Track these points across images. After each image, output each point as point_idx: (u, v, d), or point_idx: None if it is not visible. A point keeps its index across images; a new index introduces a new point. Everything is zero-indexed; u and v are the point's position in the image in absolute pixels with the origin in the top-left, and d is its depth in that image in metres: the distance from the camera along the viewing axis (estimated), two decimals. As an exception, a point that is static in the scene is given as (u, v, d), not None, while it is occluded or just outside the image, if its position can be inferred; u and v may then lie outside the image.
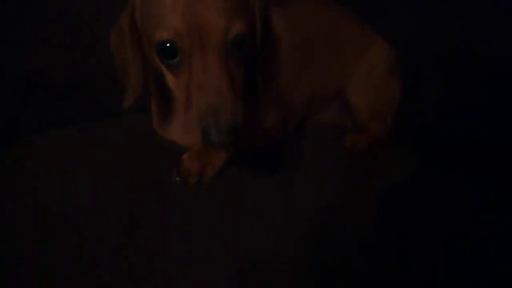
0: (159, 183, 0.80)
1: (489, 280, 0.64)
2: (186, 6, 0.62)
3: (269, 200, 0.79)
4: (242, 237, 0.69)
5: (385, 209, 0.79)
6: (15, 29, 0.94)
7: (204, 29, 0.62)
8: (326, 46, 1.02)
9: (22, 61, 0.97)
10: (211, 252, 0.66)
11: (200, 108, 0.63)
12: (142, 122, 1.00)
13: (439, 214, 0.77)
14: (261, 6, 0.74)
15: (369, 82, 1.06)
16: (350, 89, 1.06)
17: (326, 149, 1.00)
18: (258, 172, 0.88)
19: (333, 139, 1.03)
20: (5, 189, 0.79)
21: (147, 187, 0.80)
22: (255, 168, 0.88)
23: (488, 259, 0.67)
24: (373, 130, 1.06)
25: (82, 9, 1.01)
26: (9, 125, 0.97)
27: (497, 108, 1.11)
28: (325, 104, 1.09)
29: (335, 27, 1.05)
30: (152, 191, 0.79)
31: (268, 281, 0.62)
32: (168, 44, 0.64)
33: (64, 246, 0.66)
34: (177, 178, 0.79)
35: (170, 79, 0.70)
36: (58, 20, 0.99)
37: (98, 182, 0.81)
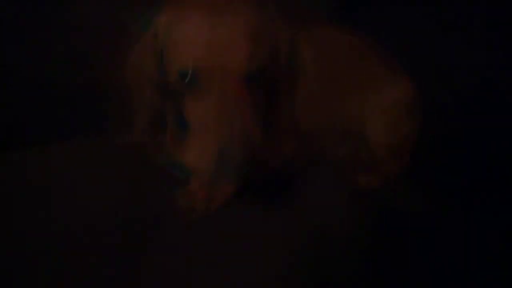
0: (162, 213, 0.79)
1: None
2: (208, 38, 0.61)
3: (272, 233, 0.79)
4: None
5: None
6: (25, 33, 0.96)
7: (224, 68, 0.62)
8: (346, 78, 0.99)
9: (31, 67, 0.97)
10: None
11: (218, 132, 0.61)
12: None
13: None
14: (287, 34, 0.73)
15: (389, 118, 1.03)
16: (368, 124, 1.03)
17: (338, 185, 0.98)
18: (266, 202, 0.87)
19: (346, 176, 1.01)
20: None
21: (150, 215, 0.79)
22: (264, 198, 0.87)
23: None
24: (389, 168, 1.03)
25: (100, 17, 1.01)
26: (12, 131, 0.98)
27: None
28: (341, 138, 1.06)
29: (357, 58, 1.02)
30: (155, 220, 0.78)
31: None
32: (188, 75, 0.63)
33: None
34: (182, 205, 0.77)
35: (188, 103, 0.68)
36: (74, 27, 0.99)
37: (91, 207, 0.80)
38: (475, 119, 1.17)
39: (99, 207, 0.79)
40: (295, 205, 0.87)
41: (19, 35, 0.97)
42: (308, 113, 0.94)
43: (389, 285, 0.71)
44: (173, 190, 0.81)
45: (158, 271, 0.67)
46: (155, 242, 0.72)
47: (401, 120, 1.04)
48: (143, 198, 0.83)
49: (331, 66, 0.96)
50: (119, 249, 0.70)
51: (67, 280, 0.65)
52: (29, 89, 0.98)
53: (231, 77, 0.62)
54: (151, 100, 0.73)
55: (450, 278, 0.74)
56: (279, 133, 0.86)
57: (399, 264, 0.75)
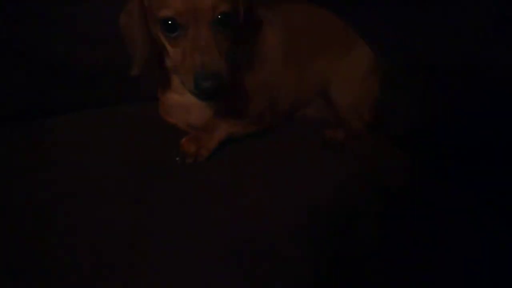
0: (163, 162, 0.95)
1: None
2: None
3: (248, 181, 0.92)
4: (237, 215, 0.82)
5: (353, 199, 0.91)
6: (42, 11, 1.06)
7: (197, 9, 0.82)
8: (311, 45, 1.15)
9: (48, 44, 1.09)
10: (208, 231, 0.78)
11: (193, 64, 0.81)
12: (152, 109, 1.15)
13: (435, 220, 0.85)
14: None
15: (350, 81, 1.19)
16: (333, 86, 1.19)
17: (308, 139, 1.13)
18: (242, 156, 1.02)
19: (314, 131, 1.16)
20: (19, 166, 0.92)
21: (153, 164, 0.94)
22: (240, 152, 1.03)
23: (487, 263, 0.76)
24: (352, 125, 1.19)
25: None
26: (31, 107, 1.10)
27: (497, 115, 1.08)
28: (310, 99, 1.22)
29: (320, 28, 1.18)
30: (157, 168, 0.93)
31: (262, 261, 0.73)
32: (169, 21, 0.83)
33: (71, 219, 0.78)
34: (177, 158, 0.93)
35: (170, 49, 0.88)
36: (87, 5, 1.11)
37: (108, 159, 0.95)
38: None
39: (115, 160, 0.94)
40: (273, 157, 1.03)
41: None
42: (276, 73, 1.10)
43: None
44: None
45: (160, 212, 0.81)
46: (160, 185, 0.87)
47: (361, 81, 1.20)
48: (149, 150, 0.99)
49: (295, 34, 1.12)
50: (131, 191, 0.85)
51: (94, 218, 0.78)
52: (50, 64, 1.10)
53: (202, 20, 0.82)
54: (142, 48, 0.92)
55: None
56: (245, 79, 1.04)
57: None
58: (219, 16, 0.84)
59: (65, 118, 1.10)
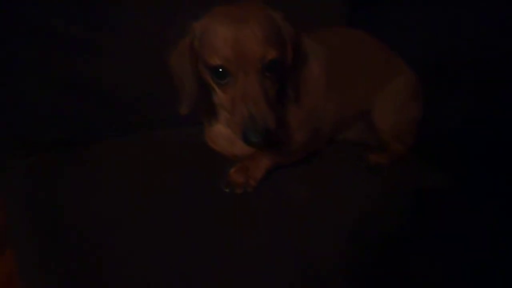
0: (212, 191, 0.96)
1: None
2: (234, 40, 0.82)
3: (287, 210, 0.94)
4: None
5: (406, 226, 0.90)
6: (90, 38, 1.10)
7: (247, 57, 0.83)
8: (354, 72, 1.15)
9: (93, 69, 1.11)
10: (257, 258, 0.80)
11: (243, 115, 0.83)
12: (197, 134, 1.15)
13: (459, 230, 0.88)
14: (292, 34, 0.93)
15: (392, 106, 1.19)
16: (375, 112, 1.19)
17: (351, 164, 1.14)
18: (291, 182, 1.03)
19: (357, 156, 1.17)
20: (62, 192, 0.95)
21: (202, 193, 0.96)
22: (289, 179, 1.04)
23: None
24: (394, 149, 1.19)
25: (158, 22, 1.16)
26: (77, 132, 1.13)
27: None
28: (351, 124, 1.23)
29: (364, 55, 1.18)
30: (206, 197, 0.95)
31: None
32: (220, 69, 0.85)
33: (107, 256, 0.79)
34: (227, 190, 0.95)
35: (219, 95, 0.90)
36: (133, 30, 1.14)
37: (153, 187, 0.96)
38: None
39: (162, 188, 0.96)
40: (315, 184, 1.03)
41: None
42: (320, 101, 1.10)
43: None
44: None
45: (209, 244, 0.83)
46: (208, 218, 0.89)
47: (403, 106, 1.20)
48: (196, 179, 1.00)
49: (338, 62, 1.12)
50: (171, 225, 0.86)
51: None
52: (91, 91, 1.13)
53: (251, 69, 0.83)
54: (191, 89, 0.93)
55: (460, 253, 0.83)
56: (292, 114, 1.05)
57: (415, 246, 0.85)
58: (268, 64, 0.84)
59: (111, 144, 1.13)
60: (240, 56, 0.82)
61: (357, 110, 1.19)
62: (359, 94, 1.17)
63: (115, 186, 0.97)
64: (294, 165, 1.07)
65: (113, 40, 1.12)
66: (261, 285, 0.77)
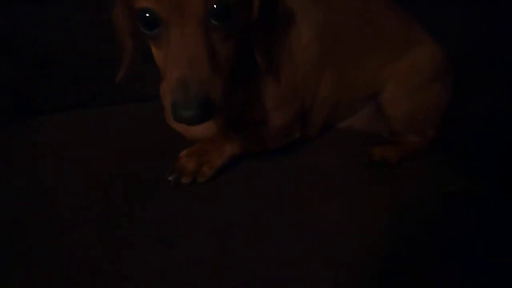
0: (153, 178, 0.77)
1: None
2: None
3: (269, 214, 0.72)
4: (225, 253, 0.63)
5: (413, 230, 0.71)
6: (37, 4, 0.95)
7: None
8: (359, 40, 0.91)
9: (41, 39, 0.98)
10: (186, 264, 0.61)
11: (171, 81, 0.59)
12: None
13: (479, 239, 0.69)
14: None
15: (408, 86, 0.92)
16: (385, 93, 0.93)
17: (351, 158, 0.89)
18: (262, 178, 0.80)
19: (360, 149, 0.92)
20: (6, 165, 0.82)
21: (140, 181, 0.77)
22: (260, 173, 0.81)
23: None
24: (409, 143, 0.94)
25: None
26: (23, 104, 1.00)
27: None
28: (355, 107, 0.98)
29: (372, 19, 0.92)
30: (144, 186, 0.76)
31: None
32: (147, 14, 0.61)
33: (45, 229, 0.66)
34: (170, 177, 0.74)
35: (154, 52, 0.67)
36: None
37: (92, 168, 0.81)
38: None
39: (99, 171, 0.80)
40: (298, 181, 0.81)
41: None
42: (310, 75, 0.86)
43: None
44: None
45: (133, 243, 0.65)
46: (138, 210, 0.70)
47: (423, 87, 0.93)
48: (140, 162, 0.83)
49: (338, 26, 0.88)
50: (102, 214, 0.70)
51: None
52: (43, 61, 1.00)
53: (189, 14, 0.59)
54: (130, 47, 0.73)
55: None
56: (265, 90, 0.81)
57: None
58: (215, 6, 0.60)
59: (56, 118, 0.99)
60: None
61: (361, 90, 0.94)
62: (365, 70, 0.92)
63: (47, 167, 0.82)
64: (271, 155, 0.85)
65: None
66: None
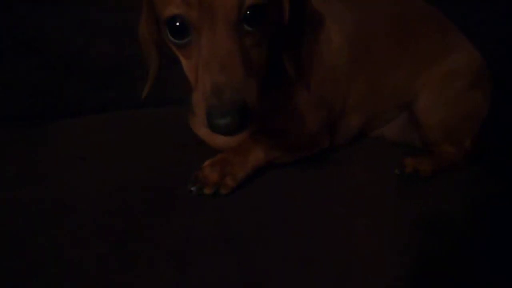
0: (173, 187, 0.74)
1: None
2: None
3: (294, 230, 0.67)
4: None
5: (447, 249, 0.65)
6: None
7: (213, 1, 0.55)
8: (393, 46, 0.86)
9: (65, 42, 0.98)
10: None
11: (205, 88, 0.56)
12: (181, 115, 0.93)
13: None
14: None
15: (444, 94, 0.87)
16: (420, 101, 0.88)
17: (382, 170, 0.84)
18: (288, 190, 0.76)
19: (392, 160, 0.87)
20: (21, 170, 0.80)
21: (159, 190, 0.74)
22: (285, 185, 0.77)
23: None
24: (444, 154, 0.88)
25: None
26: (45, 107, 0.99)
27: None
28: (388, 116, 0.93)
29: (407, 23, 0.87)
30: (162, 197, 0.72)
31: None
32: (177, 22, 0.58)
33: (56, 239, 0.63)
34: (192, 188, 0.70)
35: (183, 62, 0.64)
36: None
37: (110, 175, 0.78)
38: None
39: (115, 179, 0.77)
40: (326, 194, 0.77)
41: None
42: (340, 81, 0.82)
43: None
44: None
45: (147, 257, 0.62)
46: (155, 224, 0.66)
47: (461, 95, 0.87)
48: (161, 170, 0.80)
49: (370, 31, 0.83)
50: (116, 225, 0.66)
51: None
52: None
53: (220, 19, 0.56)
54: (156, 61, 0.71)
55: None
56: (294, 95, 0.77)
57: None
58: (248, 12, 0.57)
59: (76, 122, 0.98)
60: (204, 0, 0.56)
61: (394, 98, 0.89)
62: (398, 76, 0.87)
63: (60, 173, 0.80)
64: (298, 165, 0.81)
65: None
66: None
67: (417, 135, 0.92)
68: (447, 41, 0.88)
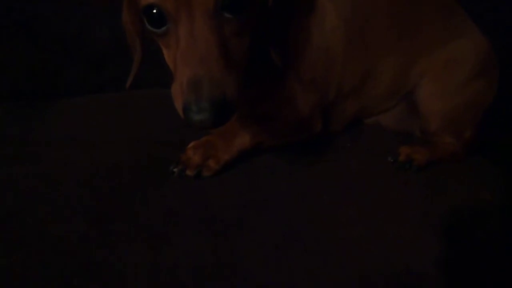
0: (159, 169, 0.73)
1: None
2: None
3: (277, 216, 0.67)
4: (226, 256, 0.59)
5: (439, 242, 0.64)
6: None
7: None
8: (392, 27, 0.82)
9: (62, 24, 0.98)
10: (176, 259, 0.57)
11: (182, 80, 0.54)
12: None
13: None
14: None
15: (447, 82, 0.84)
16: (420, 88, 0.85)
17: (375, 158, 0.82)
18: (275, 176, 0.75)
19: (387, 147, 0.85)
20: (16, 150, 0.80)
21: (146, 170, 0.74)
22: (272, 170, 0.76)
23: None
24: (442, 144, 0.85)
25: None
26: (44, 88, 1.00)
27: None
28: (385, 103, 0.90)
29: (408, 5, 0.84)
30: (148, 177, 0.73)
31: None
32: (154, 9, 0.56)
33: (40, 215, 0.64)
34: (175, 169, 0.70)
35: (164, 51, 0.62)
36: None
37: (99, 156, 0.78)
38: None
39: (106, 156, 0.78)
40: (314, 181, 0.76)
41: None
42: (332, 64, 0.80)
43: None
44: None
45: (126, 236, 0.63)
46: (136, 202, 0.67)
47: (464, 83, 0.84)
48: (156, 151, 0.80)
49: (365, 9, 0.80)
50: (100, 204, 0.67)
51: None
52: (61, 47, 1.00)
53: (198, 7, 0.54)
54: (139, 50, 0.70)
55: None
56: (281, 82, 0.75)
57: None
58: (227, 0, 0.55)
59: (74, 101, 0.98)
60: None
61: (393, 83, 0.86)
62: (396, 61, 0.84)
63: (53, 152, 0.80)
64: (287, 151, 0.80)
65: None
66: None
67: (415, 123, 0.89)
68: (451, 25, 0.84)
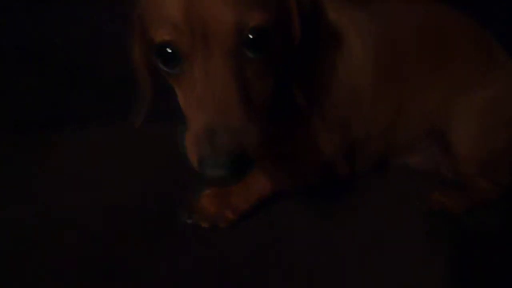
0: (168, 214, 0.68)
1: None
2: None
3: (297, 270, 0.61)
4: None
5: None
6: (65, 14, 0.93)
7: (208, 24, 0.47)
8: (423, 64, 0.76)
9: (71, 51, 0.95)
10: None
11: (197, 129, 0.48)
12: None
13: None
14: None
15: (484, 121, 0.77)
16: (454, 127, 0.78)
17: (404, 206, 0.76)
18: (294, 224, 0.69)
19: (417, 193, 0.78)
20: (17, 188, 0.77)
21: (152, 215, 0.69)
22: (292, 218, 0.70)
23: None
24: (478, 189, 0.78)
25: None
26: (50, 117, 0.97)
27: None
28: (415, 142, 0.83)
29: (440, 38, 0.77)
30: (153, 224, 0.68)
31: None
32: (168, 48, 0.50)
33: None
34: (188, 221, 0.64)
35: (177, 92, 0.55)
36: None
37: (104, 196, 0.75)
38: None
39: (106, 201, 0.73)
40: (340, 227, 0.69)
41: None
42: (358, 104, 0.73)
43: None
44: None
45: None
46: (144, 259, 0.61)
47: (503, 124, 0.77)
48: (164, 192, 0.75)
49: (404, 43, 0.74)
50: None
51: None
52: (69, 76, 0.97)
53: (216, 45, 0.48)
54: (150, 88, 0.64)
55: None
56: (304, 124, 0.69)
57: None
58: (250, 36, 0.49)
59: (79, 134, 0.94)
60: (198, 23, 0.47)
61: (423, 122, 0.79)
62: (430, 99, 0.77)
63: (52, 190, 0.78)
64: (309, 194, 0.73)
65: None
66: None
67: (448, 164, 0.82)
68: (489, 60, 0.78)
